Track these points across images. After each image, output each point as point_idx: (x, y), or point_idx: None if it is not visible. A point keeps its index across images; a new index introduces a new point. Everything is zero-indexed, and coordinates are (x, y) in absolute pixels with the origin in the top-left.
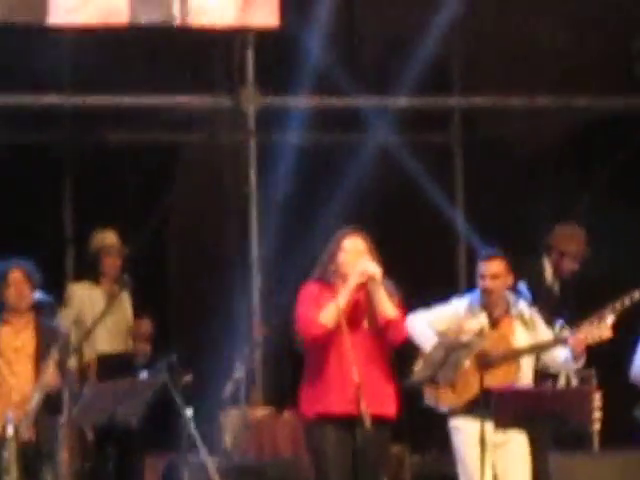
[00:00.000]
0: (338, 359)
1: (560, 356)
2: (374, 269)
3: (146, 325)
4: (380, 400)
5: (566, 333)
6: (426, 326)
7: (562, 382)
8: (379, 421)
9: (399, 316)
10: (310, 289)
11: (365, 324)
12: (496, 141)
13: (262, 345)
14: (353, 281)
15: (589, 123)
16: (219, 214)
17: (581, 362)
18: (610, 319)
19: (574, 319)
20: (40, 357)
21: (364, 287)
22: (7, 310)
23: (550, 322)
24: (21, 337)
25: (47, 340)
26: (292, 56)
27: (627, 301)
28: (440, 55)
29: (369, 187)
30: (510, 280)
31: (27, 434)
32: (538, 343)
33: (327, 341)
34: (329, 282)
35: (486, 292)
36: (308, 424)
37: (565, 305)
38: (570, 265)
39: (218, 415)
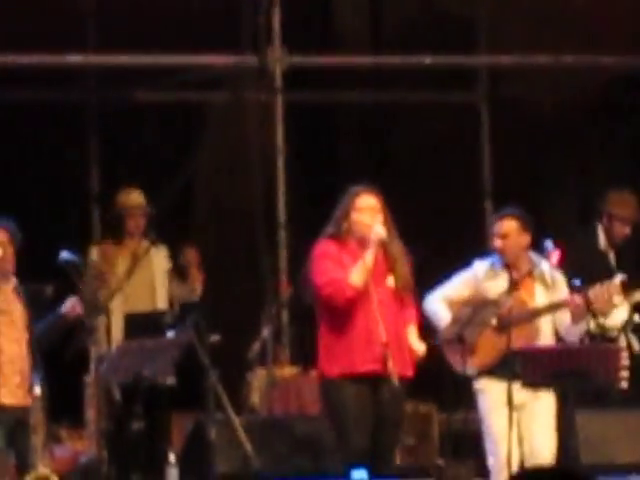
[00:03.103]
0: (364, 317)
1: (564, 321)
2: (381, 232)
3: (190, 253)
4: (403, 359)
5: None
6: (441, 304)
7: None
8: (401, 380)
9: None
10: (327, 248)
11: (389, 282)
12: (522, 99)
13: (289, 304)
14: (373, 245)
15: (615, 81)
16: (246, 173)
17: (582, 325)
18: (619, 279)
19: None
20: (29, 323)
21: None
22: None
23: None
24: (10, 303)
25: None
26: (318, 14)
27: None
28: (466, 13)
29: (395, 145)
30: (525, 240)
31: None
32: (547, 304)
33: (356, 302)
34: (343, 240)
35: (498, 252)
36: (329, 383)
37: (621, 272)
38: (621, 229)
39: (245, 374)
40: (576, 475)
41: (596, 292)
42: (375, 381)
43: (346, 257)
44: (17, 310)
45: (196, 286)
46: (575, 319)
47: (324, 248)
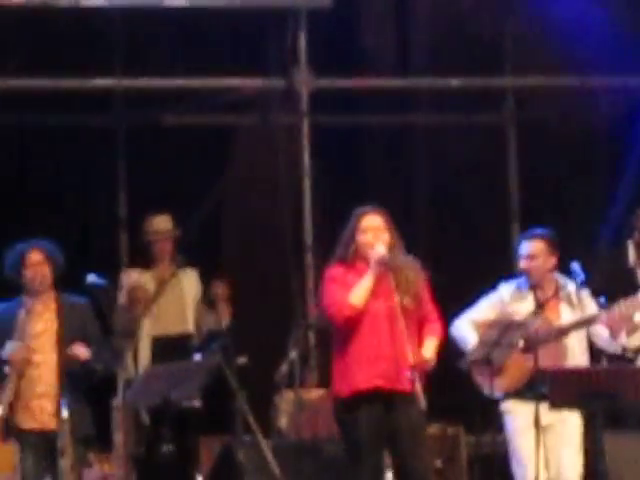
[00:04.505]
0: (369, 335)
1: (600, 334)
2: (382, 251)
3: (219, 287)
4: (403, 376)
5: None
6: (467, 328)
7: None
8: (410, 395)
9: None
10: (334, 272)
11: (396, 299)
12: (549, 121)
13: (316, 326)
14: (374, 264)
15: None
16: (273, 195)
17: (622, 340)
18: None
19: None
20: (64, 339)
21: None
22: (26, 293)
23: None
24: (42, 321)
25: (70, 319)
26: (345, 37)
27: None
28: (492, 35)
29: (422, 167)
30: (551, 262)
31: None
32: (574, 321)
33: (358, 321)
34: (351, 262)
35: (524, 272)
36: (340, 403)
37: None
38: None
39: (273, 397)
40: None
41: (621, 307)
42: (385, 398)
43: (353, 279)
44: (48, 330)
45: (224, 319)
46: (614, 333)
47: (331, 272)
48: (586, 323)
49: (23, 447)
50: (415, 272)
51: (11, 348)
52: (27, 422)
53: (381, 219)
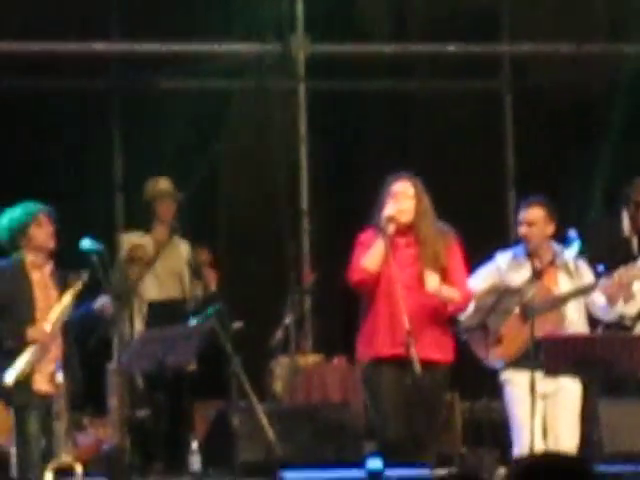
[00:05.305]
0: (386, 302)
1: (597, 302)
2: (389, 212)
3: (203, 253)
4: (434, 344)
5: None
6: None
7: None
8: (432, 365)
9: None
10: (364, 236)
11: (417, 268)
12: (545, 87)
13: (311, 292)
14: (385, 228)
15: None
16: (269, 161)
17: (619, 307)
18: None
19: None
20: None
21: (408, 230)
22: (36, 252)
23: None
24: (49, 288)
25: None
26: (342, 2)
27: None
28: (489, 1)
29: (419, 134)
30: (550, 229)
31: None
32: (572, 290)
33: (372, 285)
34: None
35: (523, 239)
36: (363, 367)
37: None
38: None
39: (268, 362)
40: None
41: (620, 274)
42: (403, 365)
43: None
44: (53, 295)
45: (211, 285)
46: (612, 301)
47: (362, 236)
48: (584, 292)
49: (30, 409)
50: (444, 243)
51: (35, 330)
52: (41, 384)
53: (410, 185)
